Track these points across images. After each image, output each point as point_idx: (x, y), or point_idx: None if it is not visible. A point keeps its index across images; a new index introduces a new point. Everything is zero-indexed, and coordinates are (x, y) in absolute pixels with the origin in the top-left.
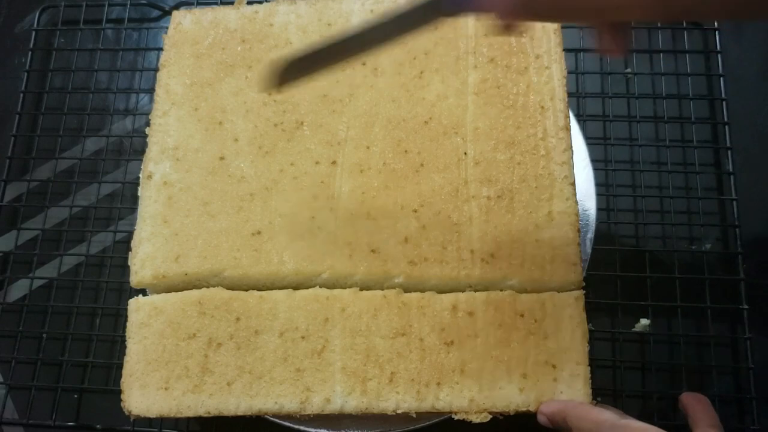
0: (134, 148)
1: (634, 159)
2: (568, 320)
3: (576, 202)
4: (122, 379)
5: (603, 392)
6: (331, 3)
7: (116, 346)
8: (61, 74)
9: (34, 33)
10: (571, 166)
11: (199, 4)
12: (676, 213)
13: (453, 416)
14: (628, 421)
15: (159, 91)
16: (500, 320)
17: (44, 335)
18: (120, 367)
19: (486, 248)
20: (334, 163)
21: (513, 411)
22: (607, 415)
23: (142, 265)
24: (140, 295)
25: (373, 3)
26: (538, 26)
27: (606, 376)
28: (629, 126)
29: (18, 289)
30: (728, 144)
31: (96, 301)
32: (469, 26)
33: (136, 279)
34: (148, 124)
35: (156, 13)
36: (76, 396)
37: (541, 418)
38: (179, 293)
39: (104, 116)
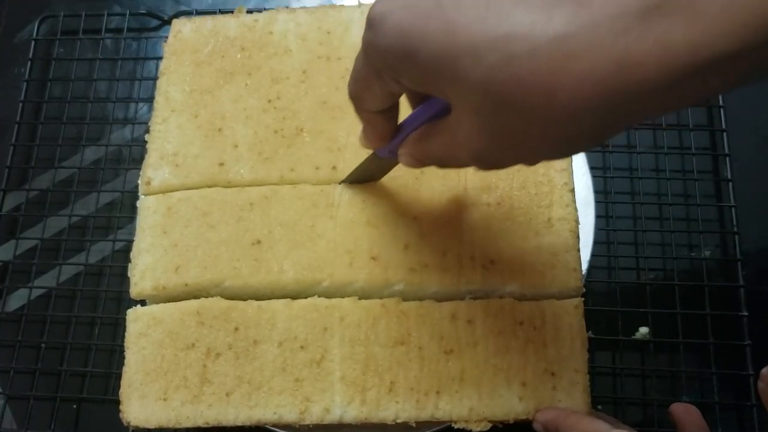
0: (133, 157)
1: (632, 166)
2: (568, 328)
3: (576, 208)
4: (121, 390)
5: (603, 400)
6: (331, 11)
7: (115, 355)
8: (60, 84)
9: (33, 43)
10: (571, 173)
11: (198, 13)
12: (675, 220)
13: (453, 425)
14: (619, 430)
15: (158, 98)
16: (499, 328)
17: (43, 345)
18: (118, 376)
19: (486, 255)
20: (334, 168)
21: (512, 419)
22: (598, 424)
23: (142, 276)
24: (139, 305)
25: None
26: None
27: (606, 384)
28: (627, 133)
29: (17, 299)
30: (726, 151)
31: (95, 311)
32: None
33: (135, 290)
34: (147, 132)
35: (155, 22)
36: (74, 406)
37: (537, 426)
38: (178, 303)
39: (103, 125)
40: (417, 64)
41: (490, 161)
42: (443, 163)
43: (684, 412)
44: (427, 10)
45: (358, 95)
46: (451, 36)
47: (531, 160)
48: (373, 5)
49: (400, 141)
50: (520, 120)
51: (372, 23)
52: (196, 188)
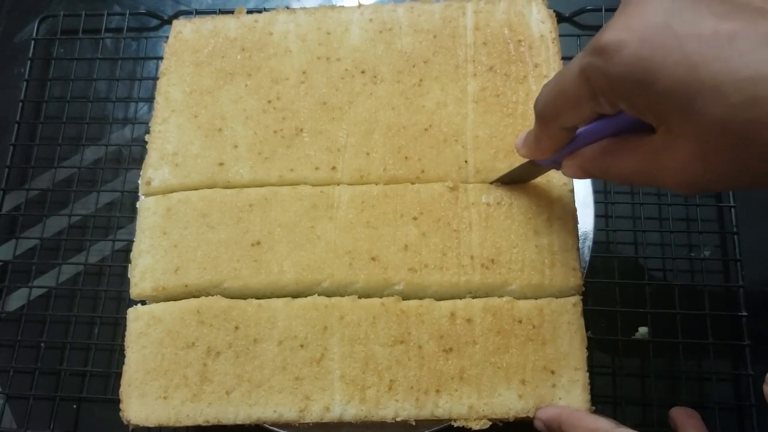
0: (133, 157)
1: None
2: (566, 326)
3: (575, 208)
4: (121, 389)
5: (602, 399)
6: (330, 12)
7: (115, 355)
8: (60, 83)
9: (33, 42)
10: None
11: (198, 13)
12: (675, 220)
13: (452, 423)
14: (623, 429)
15: (159, 98)
16: (498, 327)
17: (42, 344)
18: (118, 376)
19: (486, 254)
20: (333, 168)
21: (512, 417)
22: (601, 423)
23: (142, 277)
24: (139, 304)
25: (371, 13)
26: (536, 35)
27: (605, 384)
28: None
29: (16, 299)
30: None
31: (95, 310)
32: (468, 34)
33: (135, 291)
34: (147, 132)
35: (155, 22)
36: (74, 405)
37: (538, 424)
38: (178, 302)
39: (103, 125)
40: (651, 94)
41: (699, 187)
42: (628, 180)
43: (684, 415)
44: (665, 43)
45: (557, 112)
46: (692, 71)
47: (751, 187)
48: (604, 33)
49: (569, 152)
50: (758, 158)
51: (605, 50)
52: (196, 188)
